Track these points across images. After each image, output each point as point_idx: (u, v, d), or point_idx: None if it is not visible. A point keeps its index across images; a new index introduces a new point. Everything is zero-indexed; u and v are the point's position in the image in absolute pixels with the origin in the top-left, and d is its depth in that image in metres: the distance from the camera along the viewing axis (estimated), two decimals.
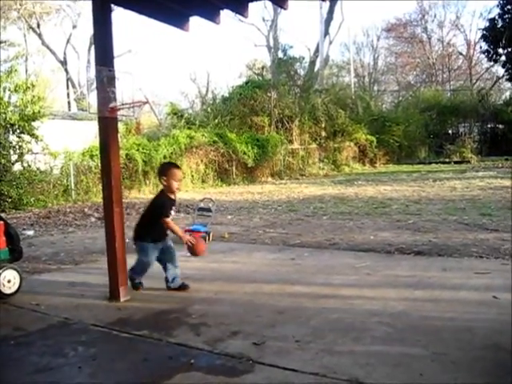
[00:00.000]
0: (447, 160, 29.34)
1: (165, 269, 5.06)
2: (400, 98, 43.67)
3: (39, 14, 35.01)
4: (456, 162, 28.03)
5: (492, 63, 33.39)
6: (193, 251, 5.02)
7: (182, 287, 5.05)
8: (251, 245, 6.99)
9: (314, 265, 6.01)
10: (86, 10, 35.68)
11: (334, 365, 3.13)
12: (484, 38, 28.42)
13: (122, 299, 4.75)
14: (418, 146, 33.36)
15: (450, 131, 36.18)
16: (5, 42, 30.95)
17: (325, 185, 18.65)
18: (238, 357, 3.33)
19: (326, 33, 36.42)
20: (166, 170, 5.00)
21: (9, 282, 4.97)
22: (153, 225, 4.96)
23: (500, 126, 34.89)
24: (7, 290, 4.97)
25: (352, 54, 42.39)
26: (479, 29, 31.14)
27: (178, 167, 5.15)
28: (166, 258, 5.04)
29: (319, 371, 3.04)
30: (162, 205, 4.93)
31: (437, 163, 28.83)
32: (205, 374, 3.16)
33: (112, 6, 5.16)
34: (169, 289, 5.05)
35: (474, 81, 44.74)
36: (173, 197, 5.00)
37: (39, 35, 38.14)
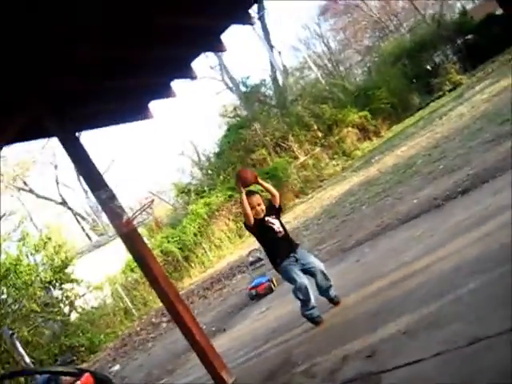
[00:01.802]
0: (441, 93, 29.10)
1: (317, 285, 4.86)
2: (368, 64, 43.73)
3: (21, 174, 35.92)
4: (450, 90, 27.79)
5: None
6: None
7: (335, 300, 4.93)
8: None
9: (379, 255, 5.95)
10: (58, 147, 36.54)
11: (449, 336, 3.05)
12: None
13: (229, 382, 4.72)
14: (408, 96, 33.21)
15: (428, 67, 35.97)
16: (4, 214, 31.74)
17: (347, 178, 18.56)
18: (360, 377, 3.27)
19: (271, 46, 36.85)
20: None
21: None
22: (264, 247, 5.04)
23: (469, 37, 34.63)
24: None
25: (304, 51, 42.81)
26: None
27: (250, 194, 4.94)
28: (309, 274, 4.85)
29: (440, 349, 2.96)
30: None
31: (433, 101, 28.60)
32: None
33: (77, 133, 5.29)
34: (331, 301, 4.94)
35: (423, 12, 44.70)
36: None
37: (30, 191, 39.11)
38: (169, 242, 17.69)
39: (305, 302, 4.72)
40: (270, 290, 7.50)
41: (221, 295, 10.51)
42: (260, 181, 4.89)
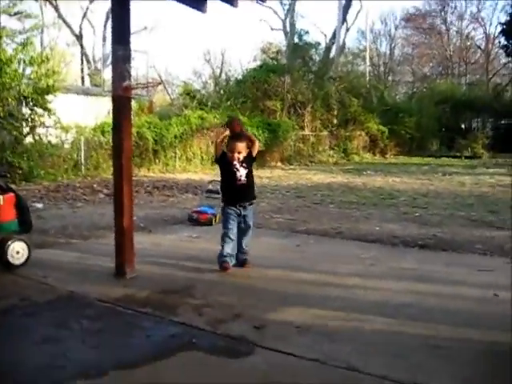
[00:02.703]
0: (458, 154, 29.13)
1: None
2: (414, 90, 43.44)
3: None
4: (467, 157, 27.83)
5: (510, 59, 32.99)
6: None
7: (243, 263, 5.24)
8: (257, 229, 7.00)
9: (320, 252, 6.06)
10: None
11: (333, 352, 3.18)
12: (504, 32, 28.01)
13: (128, 276, 4.82)
14: (430, 138, 33.19)
15: (462, 125, 35.81)
16: (21, 13, 30.88)
17: (334, 173, 18.63)
18: (238, 339, 3.39)
19: (344, 20, 36.13)
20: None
21: (17, 253, 5.06)
22: (221, 186, 5.47)
23: None
24: (16, 261, 5.05)
25: (368, 42, 42.01)
26: (499, 23, 30.70)
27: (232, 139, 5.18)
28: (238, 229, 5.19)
29: (319, 357, 3.09)
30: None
31: (447, 157, 28.62)
32: (206, 353, 3.23)
33: None
34: (239, 262, 5.24)
35: (491, 76, 44.23)
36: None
37: (55, 8, 37.90)
38: (149, 128, 17.55)
39: (224, 248, 5.08)
40: (209, 223, 7.57)
41: (165, 201, 10.57)
42: (244, 131, 5.40)
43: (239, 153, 5.05)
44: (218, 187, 8.29)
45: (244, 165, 5.09)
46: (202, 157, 19.79)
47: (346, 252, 6.09)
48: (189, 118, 19.53)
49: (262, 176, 16.45)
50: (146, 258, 5.43)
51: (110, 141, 6.48)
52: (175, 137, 18.64)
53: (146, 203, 10.19)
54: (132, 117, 5.80)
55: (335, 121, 27.59)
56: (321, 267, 5.29)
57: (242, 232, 5.18)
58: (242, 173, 5.07)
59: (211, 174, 16.18)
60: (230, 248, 5.09)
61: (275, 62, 28.32)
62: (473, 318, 3.79)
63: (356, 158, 27.21)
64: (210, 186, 8.44)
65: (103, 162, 15.99)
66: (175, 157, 19.01)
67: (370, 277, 4.94)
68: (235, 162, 5.06)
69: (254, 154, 5.20)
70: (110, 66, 4.91)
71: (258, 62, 30.24)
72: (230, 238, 5.07)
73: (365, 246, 6.42)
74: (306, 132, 25.59)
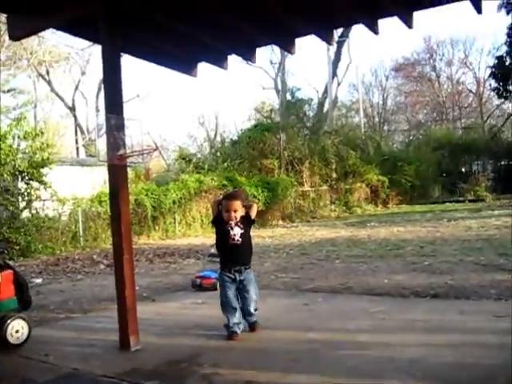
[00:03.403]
0: (461, 199, 29.06)
1: (242, 309, 4.93)
2: (411, 137, 43.92)
3: (48, 62, 35.62)
4: (470, 201, 27.72)
5: (502, 100, 33.42)
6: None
7: (253, 326, 5.00)
8: (263, 290, 6.82)
9: (328, 310, 5.88)
10: (95, 56, 36.39)
11: None
12: (493, 75, 28.42)
13: (132, 348, 4.62)
14: (431, 185, 33.25)
15: (463, 169, 35.96)
16: (14, 89, 31.53)
17: (337, 227, 18.51)
18: None
19: (334, 74, 36.88)
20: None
21: (17, 332, 4.87)
22: (218, 248, 5.14)
23: None
24: (15, 341, 4.86)
25: (361, 94, 42.67)
26: (488, 66, 31.26)
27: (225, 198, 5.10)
28: (240, 296, 4.93)
29: None
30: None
31: (451, 202, 28.56)
32: None
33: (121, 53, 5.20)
34: (249, 326, 5.00)
35: (486, 118, 44.79)
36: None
37: (48, 82, 38.84)
38: (147, 195, 17.55)
39: (228, 319, 4.82)
40: (213, 288, 7.38)
41: (167, 268, 10.42)
42: (248, 202, 5.21)
43: (235, 211, 4.87)
44: None
45: (240, 225, 4.91)
46: (202, 220, 19.71)
47: (355, 307, 5.90)
48: (186, 183, 19.57)
49: (264, 235, 16.36)
50: (151, 328, 5.25)
51: (108, 210, 6.47)
52: (174, 202, 18.63)
53: (148, 271, 10.03)
54: (129, 185, 5.76)
55: (334, 174, 27.69)
56: (331, 325, 5.11)
57: (244, 299, 4.90)
58: (235, 231, 4.87)
59: (212, 238, 16.03)
60: (235, 317, 4.80)
61: (269, 121, 28.74)
62: (494, 368, 3.59)
63: (358, 210, 27.15)
64: (213, 250, 8.29)
65: (102, 233, 15.90)
66: (175, 222, 18.94)
67: (382, 332, 4.75)
68: (231, 222, 4.89)
69: (253, 216, 5.03)
70: (104, 136, 4.88)
71: (253, 122, 30.75)
72: (231, 307, 4.80)
73: (374, 299, 6.23)
74: (306, 188, 25.63)
